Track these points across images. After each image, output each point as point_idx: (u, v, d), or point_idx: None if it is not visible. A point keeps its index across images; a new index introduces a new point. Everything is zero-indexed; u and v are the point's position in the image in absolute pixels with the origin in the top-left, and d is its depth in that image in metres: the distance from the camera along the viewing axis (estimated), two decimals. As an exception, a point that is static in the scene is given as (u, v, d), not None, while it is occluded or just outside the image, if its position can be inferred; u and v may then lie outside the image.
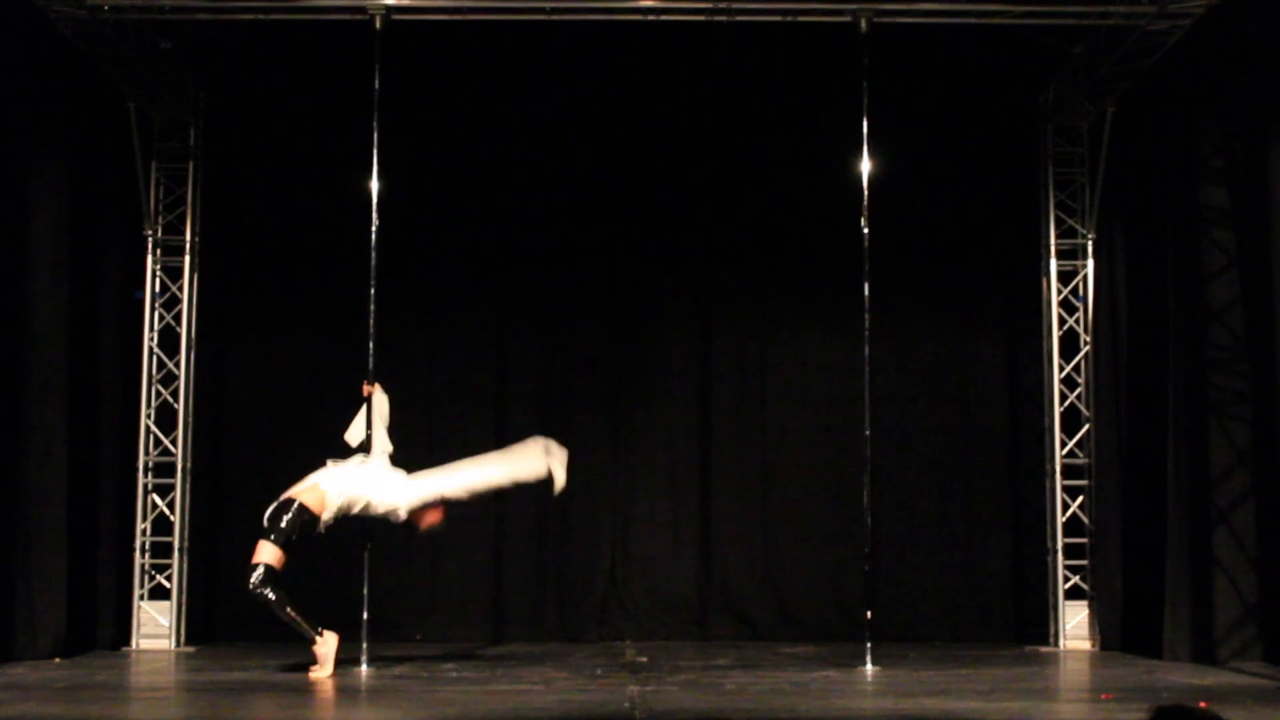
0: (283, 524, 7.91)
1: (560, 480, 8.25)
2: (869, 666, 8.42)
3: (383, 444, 8.31)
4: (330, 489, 8.04)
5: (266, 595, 7.84)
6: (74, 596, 9.06)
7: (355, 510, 8.15)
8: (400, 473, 8.24)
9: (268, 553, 7.89)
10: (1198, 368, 8.87)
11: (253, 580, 7.85)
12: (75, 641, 9.10)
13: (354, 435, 8.35)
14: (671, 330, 10.89)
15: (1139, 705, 6.55)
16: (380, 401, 8.40)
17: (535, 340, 10.82)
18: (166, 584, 9.96)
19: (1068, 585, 10.10)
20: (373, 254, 8.67)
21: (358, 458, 8.25)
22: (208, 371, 10.46)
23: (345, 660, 8.29)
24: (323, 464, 8.18)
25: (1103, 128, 9.97)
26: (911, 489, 10.67)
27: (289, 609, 7.87)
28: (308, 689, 7.58)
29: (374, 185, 8.75)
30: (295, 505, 7.97)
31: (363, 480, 8.14)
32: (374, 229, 8.70)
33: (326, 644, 7.97)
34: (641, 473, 10.78)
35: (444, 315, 10.79)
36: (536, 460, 8.30)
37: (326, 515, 8.02)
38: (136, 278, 10.18)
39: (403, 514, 8.19)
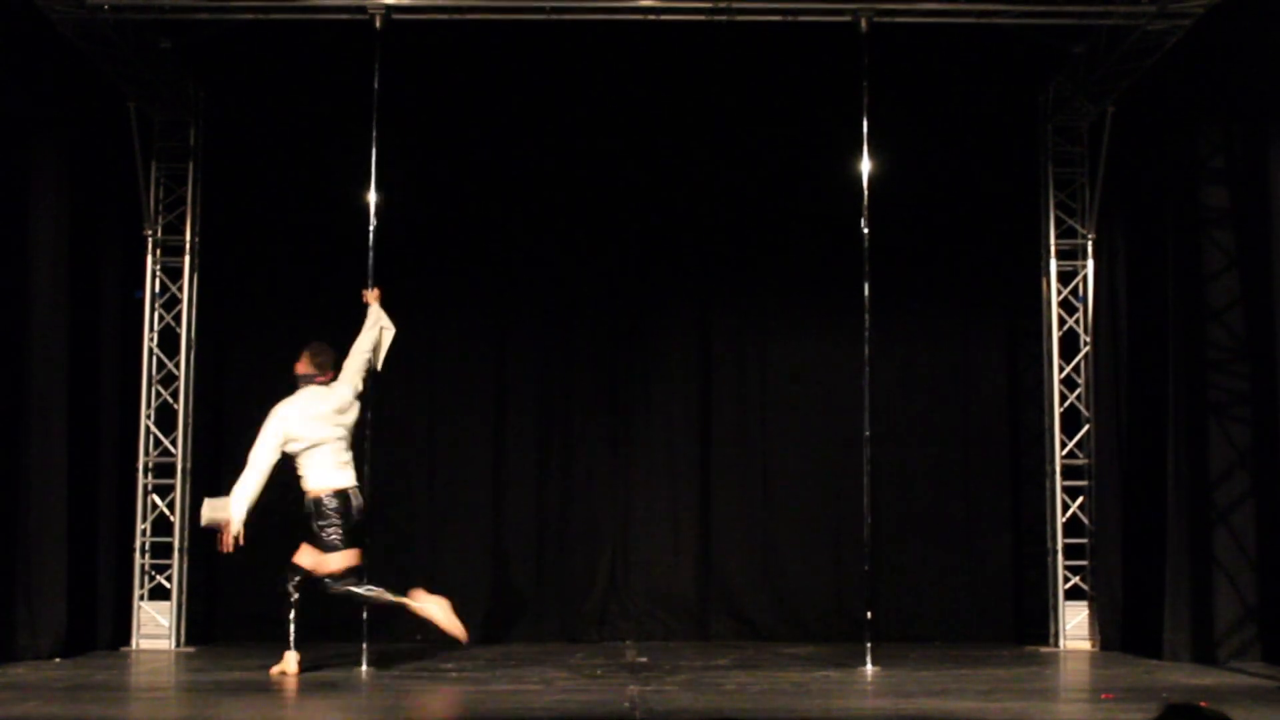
0: (328, 530, 8.06)
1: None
2: (869, 666, 8.42)
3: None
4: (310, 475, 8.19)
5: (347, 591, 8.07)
6: (74, 596, 9.06)
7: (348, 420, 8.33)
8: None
9: (333, 561, 8.06)
10: (1198, 368, 8.86)
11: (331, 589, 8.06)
12: (75, 641, 9.09)
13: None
14: (671, 330, 10.88)
15: (1139, 705, 6.55)
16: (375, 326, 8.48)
17: (535, 340, 10.81)
18: (166, 584, 9.95)
19: (1068, 585, 10.09)
20: (371, 253, 8.68)
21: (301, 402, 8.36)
22: (208, 371, 10.46)
23: (345, 660, 8.29)
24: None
25: (1103, 127, 9.96)
26: (911, 489, 10.67)
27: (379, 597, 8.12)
28: (307, 688, 7.58)
29: (373, 185, 8.75)
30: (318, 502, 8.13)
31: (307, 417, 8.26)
32: (373, 228, 8.71)
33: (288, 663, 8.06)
34: (641, 473, 10.77)
35: (444, 315, 10.79)
36: None
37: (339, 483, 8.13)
38: (136, 278, 10.18)
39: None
